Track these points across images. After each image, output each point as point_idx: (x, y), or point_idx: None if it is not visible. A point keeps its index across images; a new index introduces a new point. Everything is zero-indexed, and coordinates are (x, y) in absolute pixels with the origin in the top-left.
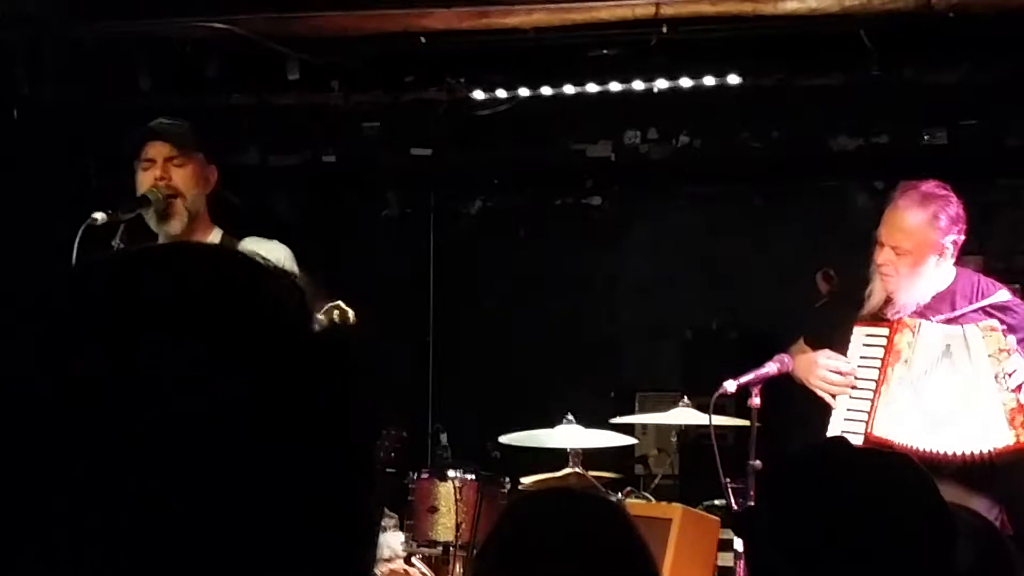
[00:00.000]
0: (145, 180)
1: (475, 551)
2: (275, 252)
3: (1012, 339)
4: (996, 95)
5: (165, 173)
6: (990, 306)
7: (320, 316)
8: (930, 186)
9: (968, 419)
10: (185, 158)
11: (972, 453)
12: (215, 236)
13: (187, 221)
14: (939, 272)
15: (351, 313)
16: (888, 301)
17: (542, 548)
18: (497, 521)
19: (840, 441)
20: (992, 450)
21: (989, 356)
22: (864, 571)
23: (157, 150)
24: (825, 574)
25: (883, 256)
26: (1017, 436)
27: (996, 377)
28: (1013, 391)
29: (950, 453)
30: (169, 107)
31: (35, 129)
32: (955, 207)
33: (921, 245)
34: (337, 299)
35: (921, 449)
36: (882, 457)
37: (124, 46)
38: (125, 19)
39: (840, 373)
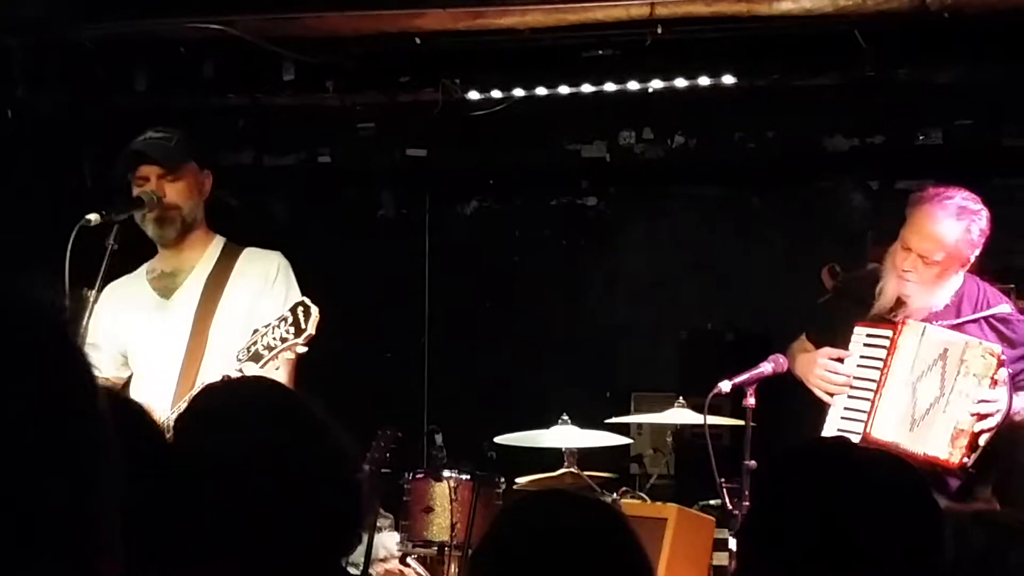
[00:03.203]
0: (144, 189)
1: (470, 552)
2: (273, 262)
3: (1005, 372)
4: (991, 95)
5: (160, 190)
6: (993, 317)
7: (287, 314)
8: (965, 197)
9: (925, 422)
10: (177, 173)
11: (921, 454)
12: (216, 244)
13: (181, 229)
14: (954, 280)
15: (314, 309)
16: (899, 303)
17: (537, 550)
18: (492, 523)
19: (836, 440)
20: (925, 455)
21: (974, 375)
22: (860, 569)
23: (149, 169)
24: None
25: (909, 262)
26: (951, 454)
27: (967, 395)
28: (972, 414)
29: (918, 453)
30: (164, 108)
31: (30, 130)
32: (986, 221)
33: (952, 258)
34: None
35: (904, 448)
36: (874, 455)
37: (119, 48)
38: (120, 21)
39: (839, 373)
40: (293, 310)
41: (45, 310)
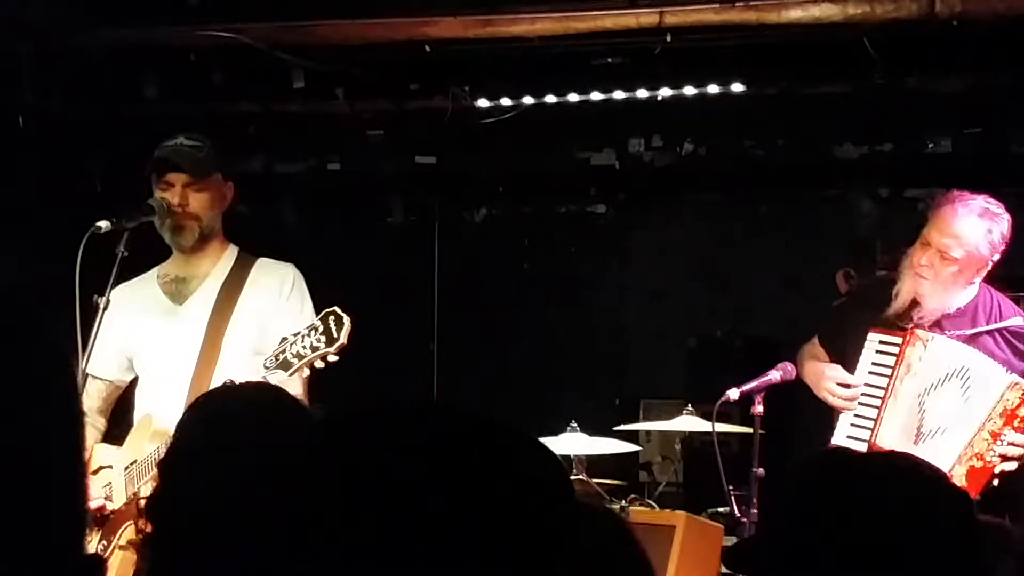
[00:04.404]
0: (167, 197)
1: None
2: (288, 274)
3: None
4: (1000, 103)
5: (183, 200)
6: (1007, 331)
7: (318, 323)
8: (988, 200)
9: (934, 440)
10: (203, 183)
11: None
12: (231, 253)
13: (198, 238)
14: (970, 286)
15: (346, 319)
16: (914, 303)
17: None
18: None
19: (840, 450)
20: None
21: (1004, 413)
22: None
23: (176, 176)
24: None
25: (927, 257)
26: (952, 480)
27: (993, 433)
28: (1000, 454)
29: None
30: (174, 115)
31: (41, 138)
32: (1008, 226)
33: (971, 258)
34: (339, 306)
35: None
36: (889, 459)
37: (130, 55)
38: (130, 28)
39: (846, 386)
40: (324, 319)
41: (11, 293)
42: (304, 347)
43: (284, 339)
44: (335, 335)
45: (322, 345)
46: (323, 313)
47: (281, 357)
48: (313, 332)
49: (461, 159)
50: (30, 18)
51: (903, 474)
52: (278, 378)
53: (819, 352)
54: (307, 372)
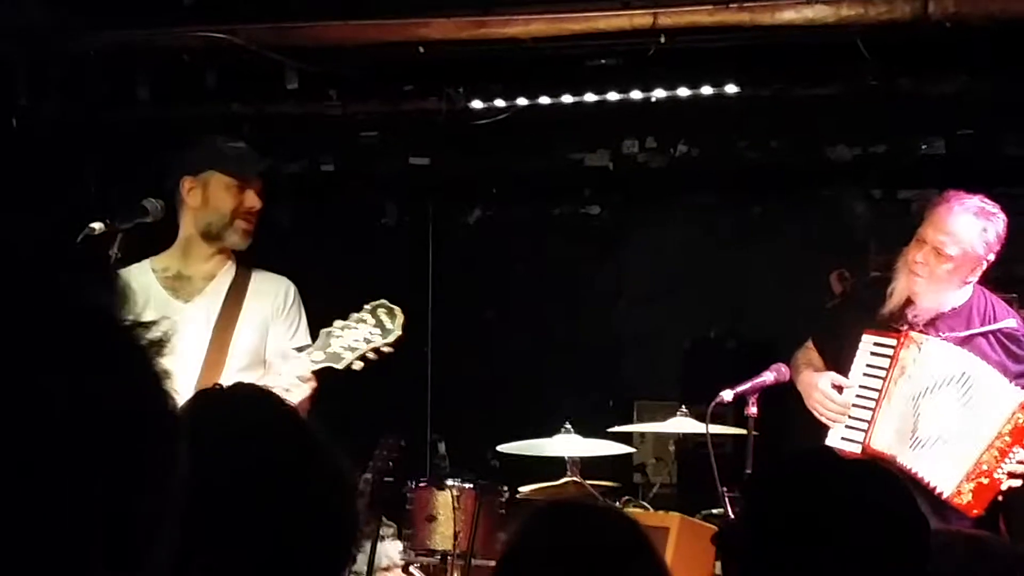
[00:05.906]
0: (242, 200)
1: (496, 563)
2: (290, 287)
3: None
4: (993, 105)
5: (257, 202)
6: (1001, 332)
7: (366, 315)
8: (984, 200)
9: (936, 449)
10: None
11: (917, 474)
12: (233, 258)
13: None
14: (964, 286)
15: (398, 310)
16: (908, 302)
17: (557, 562)
18: (511, 534)
19: (822, 451)
20: (930, 485)
21: (1013, 431)
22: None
23: (256, 180)
24: None
25: (922, 254)
26: (960, 496)
27: (1002, 451)
28: (1006, 470)
29: (914, 471)
30: (168, 117)
31: (34, 140)
32: (1003, 226)
33: (965, 254)
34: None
35: (900, 463)
36: (858, 465)
37: (123, 57)
38: (123, 30)
39: (836, 403)
40: (373, 312)
41: (113, 313)
42: (356, 339)
43: (329, 332)
44: (389, 326)
45: (376, 338)
46: (371, 305)
47: (329, 351)
48: (362, 324)
49: (455, 160)
50: (23, 21)
51: (873, 483)
52: (293, 374)
53: (813, 358)
54: (360, 365)
